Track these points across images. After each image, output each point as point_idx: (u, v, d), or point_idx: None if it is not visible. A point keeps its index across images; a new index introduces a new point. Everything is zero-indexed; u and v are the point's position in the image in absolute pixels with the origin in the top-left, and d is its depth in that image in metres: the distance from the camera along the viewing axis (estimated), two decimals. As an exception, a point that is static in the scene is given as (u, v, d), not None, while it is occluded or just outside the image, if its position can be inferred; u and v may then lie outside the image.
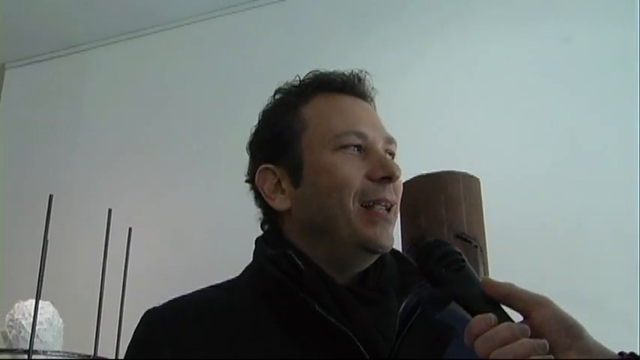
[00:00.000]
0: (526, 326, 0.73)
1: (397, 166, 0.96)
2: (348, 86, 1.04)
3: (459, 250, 0.87)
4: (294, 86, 1.06)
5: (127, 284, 2.68)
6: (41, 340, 2.55)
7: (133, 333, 0.94)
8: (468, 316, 0.79)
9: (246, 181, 1.05)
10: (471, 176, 1.98)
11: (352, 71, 1.06)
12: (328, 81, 1.04)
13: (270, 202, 1.01)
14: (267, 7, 3.66)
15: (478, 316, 0.76)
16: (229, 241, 3.04)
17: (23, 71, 4.31)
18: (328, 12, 3.54)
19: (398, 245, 1.67)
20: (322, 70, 1.06)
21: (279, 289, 0.91)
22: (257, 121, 1.08)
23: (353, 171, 0.94)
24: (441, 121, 3.02)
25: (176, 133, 3.66)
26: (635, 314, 2.30)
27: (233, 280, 1.01)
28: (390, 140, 1.01)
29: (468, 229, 1.84)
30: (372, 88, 1.07)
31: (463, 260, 0.85)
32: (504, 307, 0.79)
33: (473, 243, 1.80)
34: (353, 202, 0.93)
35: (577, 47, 2.93)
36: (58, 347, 2.65)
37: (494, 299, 0.78)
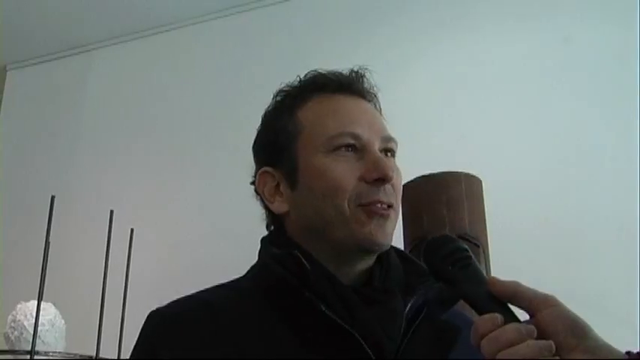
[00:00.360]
0: (532, 327, 0.72)
1: (392, 167, 0.95)
2: (345, 86, 1.02)
3: (466, 247, 0.85)
4: (292, 88, 1.06)
5: (128, 285, 2.69)
6: (43, 342, 2.55)
7: (138, 334, 0.94)
8: (475, 317, 0.78)
9: (251, 183, 1.05)
10: (473, 176, 1.98)
11: (351, 69, 1.05)
12: (325, 82, 1.02)
13: (269, 205, 1.02)
14: (271, 7, 3.67)
15: (484, 316, 0.75)
16: (231, 242, 3.05)
17: (25, 72, 4.31)
18: (330, 12, 3.54)
19: (400, 245, 1.68)
20: (321, 70, 1.05)
21: (285, 289, 0.91)
22: (260, 124, 1.08)
23: (347, 173, 0.94)
24: (443, 122, 3.03)
25: (178, 135, 3.67)
26: (636, 314, 2.30)
27: (238, 279, 1.02)
28: (387, 139, 0.99)
29: (470, 229, 1.85)
30: (373, 85, 1.05)
31: (470, 257, 0.83)
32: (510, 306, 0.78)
33: (474, 243, 1.80)
34: (348, 205, 0.93)
35: (578, 47, 2.93)
36: (60, 348, 2.65)
37: (500, 298, 0.78)
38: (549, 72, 2.95)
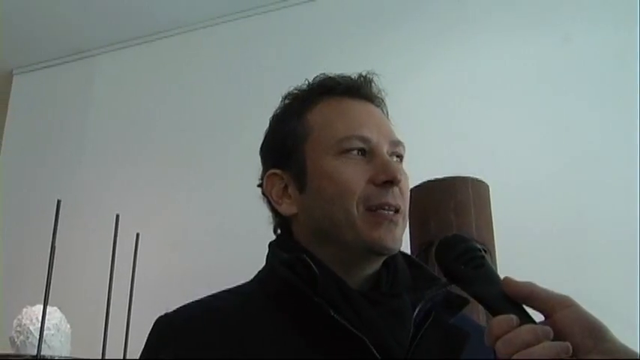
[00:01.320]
0: (548, 328, 0.71)
1: (400, 170, 0.95)
2: (354, 89, 1.02)
3: (480, 247, 0.84)
4: (301, 91, 1.06)
5: (134, 289, 2.68)
6: (49, 346, 2.55)
7: (145, 339, 0.93)
8: (481, 317, 0.77)
9: (258, 186, 1.05)
10: (480, 181, 1.97)
11: (360, 73, 1.05)
12: (333, 85, 1.03)
13: (277, 207, 1.01)
14: (276, 12, 3.67)
15: (499, 317, 0.74)
16: (236, 246, 3.05)
17: (31, 77, 4.33)
18: (337, 18, 3.54)
19: (407, 250, 1.67)
20: (330, 74, 1.05)
21: (293, 294, 0.91)
22: (267, 126, 1.08)
23: (356, 176, 0.94)
24: (450, 127, 3.02)
25: (183, 139, 3.67)
26: (636, 314, 2.29)
27: (245, 284, 1.01)
28: (396, 143, 0.99)
29: (477, 234, 1.84)
30: (381, 90, 1.05)
31: (483, 257, 0.82)
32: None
33: (482, 248, 1.79)
34: (357, 208, 0.92)
35: (582, 50, 2.93)
36: (66, 353, 2.65)
37: (515, 298, 0.76)
38: (555, 76, 2.95)
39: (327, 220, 0.95)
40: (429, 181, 1.91)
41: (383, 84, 1.07)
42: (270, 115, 1.08)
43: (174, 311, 0.95)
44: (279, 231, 1.05)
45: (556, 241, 2.65)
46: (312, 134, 0.99)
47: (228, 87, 3.65)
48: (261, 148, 1.07)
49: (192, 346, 0.88)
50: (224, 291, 0.99)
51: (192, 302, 0.96)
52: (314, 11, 3.58)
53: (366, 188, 0.93)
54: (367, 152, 0.96)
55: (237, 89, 3.61)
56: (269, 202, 1.03)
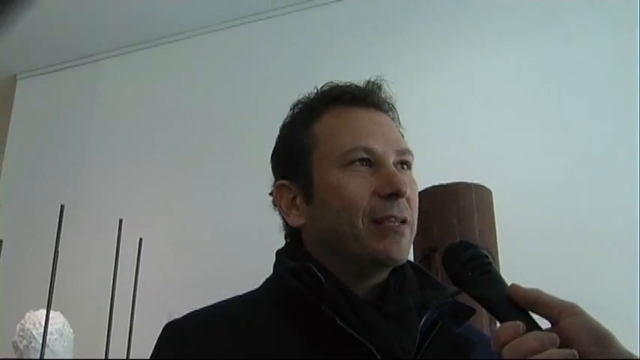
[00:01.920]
0: (555, 335, 0.72)
1: (405, 182, 0.94)
2: (360, 98, 1.01)
3: (487, 253, 0.84)
4: (309, 99, 1.05)
5: (137, 294, 2.68)
6: (52, 350, 2.55)
7: (154, 345, 0.94)
8: (487, 327, 0.77)
9: (270, 194, 1.05)
10: (483, 187, 1.98)
11: (368, 81, 1.04)
12: (339, 94, 1.02)
13: (286, 217, 1.02)
14: (281, 17, 3.68)
15: (506, 324, 0.74)
16: (240, 251, 3.05)
17: (35, 82, 4.34)
18: (340, 24, 3.55)
19: (410, 255, 1.67)
20: (337, 82, 1.04)
21: (300, 302, 0.91)
22: (277, 135, 1.08)
23: (361, 189, 0.93)
24: (453, 133, 3.02)
25: (187, 144, 3.68)
26: (636, 315, 2.29)
27: (253, 291, 1.01)
28: (403, 152, 0.98)
29: (480, 239, 1.84)
30: (390, 95, 1.04)
31: (490, 263, 0.82)
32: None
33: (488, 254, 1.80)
34: (362, 221, 0.92)
35: (582, 51, 2.93)
36: (69, 357, 2.65)
37: (521, 305, 0.76)
38: (557, 80, 2.96)
39: (332, 233, 0.95)
40: (432, 187, 1.91)
41: (388, 89, 1.06)
42: (275, 118, 1.09)
43: (182, 318, 0.95)
44: (288, 240, 1.05)
45: (558, 245, 2.65)
46: (318, 146, 0.99)
47: (232, 91, 3.66)
48: (272, 158, 1.07)
49: (199, 351, 0.89)
50: (231, 298, 0.99)
51: (200, 309, 0.97)
52: (319, 16, 3.59)
53: (372, 200, 0.93)
54: (373, 163, 0.95)
55: (240, 93, 3.62)
56: (280, 212, 1.04)
